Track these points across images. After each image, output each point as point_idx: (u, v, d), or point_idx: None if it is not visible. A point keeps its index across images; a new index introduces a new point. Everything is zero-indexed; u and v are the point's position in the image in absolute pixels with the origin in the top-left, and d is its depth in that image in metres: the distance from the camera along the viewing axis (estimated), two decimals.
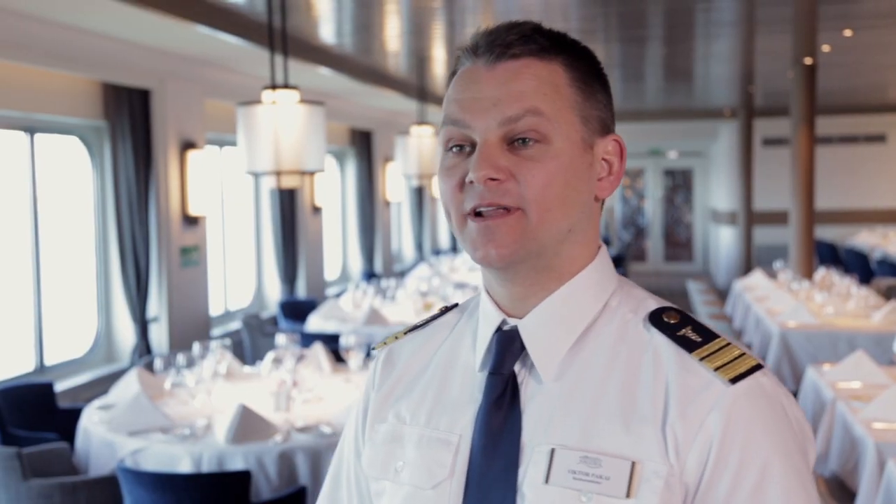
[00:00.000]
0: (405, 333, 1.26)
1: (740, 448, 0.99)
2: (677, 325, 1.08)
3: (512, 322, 1.12)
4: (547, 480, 1.02)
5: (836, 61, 8.63)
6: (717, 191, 16.26)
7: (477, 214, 1.06)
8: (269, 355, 4.54)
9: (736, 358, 1.03)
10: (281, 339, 4.53)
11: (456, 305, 1.26)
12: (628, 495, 0.99)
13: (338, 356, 4.93)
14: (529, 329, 1.10)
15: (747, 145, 12.88)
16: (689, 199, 17.55)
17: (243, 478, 3.28)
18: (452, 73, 1.14)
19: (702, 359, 1.03)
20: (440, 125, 1.12)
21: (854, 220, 14.59)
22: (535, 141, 1.05)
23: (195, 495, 3.24)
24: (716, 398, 1.00)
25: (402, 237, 13.36)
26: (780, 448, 1.00)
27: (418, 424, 1.14)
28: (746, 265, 12.71)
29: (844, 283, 7.52)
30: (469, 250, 1.09)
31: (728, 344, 1.05)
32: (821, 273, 8.27)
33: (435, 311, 1.48)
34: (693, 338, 1.06)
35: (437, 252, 13.50)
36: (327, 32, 6.74)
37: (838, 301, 7.10)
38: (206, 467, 3.49)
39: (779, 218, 12.82)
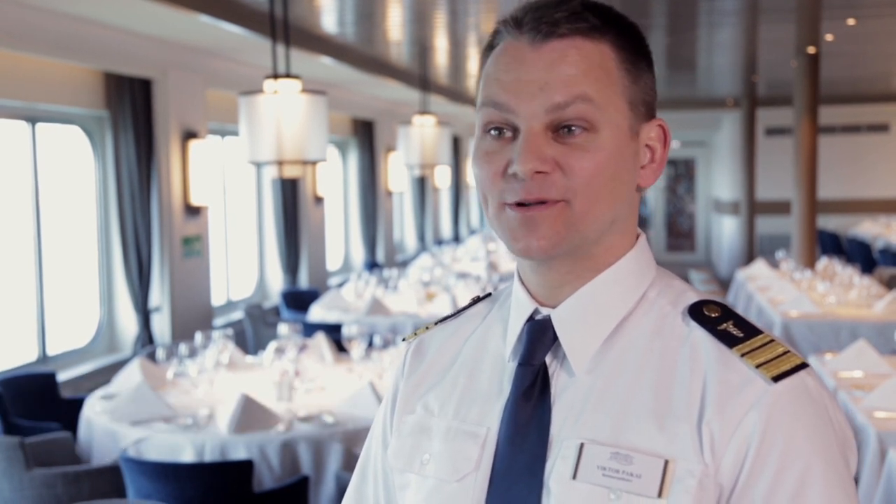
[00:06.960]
0: (436, 324, 1.21)
1: (780, 450, 0.94)
2: (718, 318, 1.03)
3: (545, 311, 1.07)
4: (575, 476, 0.97)
5: (839, 51, 8.60)
6: (719, 180, 16.24)
7: (518, 204, 1.00)
8: (272, 345, 4.54)
9: (779, 355, 0.98)
10: (283, 329, 4.54)
11: (489, 295, 1.21)
12: (660, 495, 0.94)
13: (340, 346, 4.93)
14: (563, 319, 1.05)
15: (750, 135, 12.86)
16: (691, 188, 17.53)
17: (245, 467, 3.29)
18: (489, 47, 1.06)
19: (743, 355, 0.98)
20: (478, 106, 1.05)
21: (857, 209, 14.58)
22: (583, 129, 0.99)
23: (197, 485, 3.24)
24: (756, 396, 0.95)
25: (405, 227, 13.35)
26: (822, 452, 0.95)
27: (446, 416, 1.10)
28: (749, 255, 12.70)
29: (847, 273, 7.51)
30: (507, 240, 1.03)
31: (771, 341, 1.00)
32: (823, 263, 8.26)
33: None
34: (734, 333, 1.01)
35: (439, 242, 13.50)
36: (329, 22, 6.73)
37: (840, 291, 7.10)
38: (209, 457, 3.50)
39: (781, 208, 12.81)
